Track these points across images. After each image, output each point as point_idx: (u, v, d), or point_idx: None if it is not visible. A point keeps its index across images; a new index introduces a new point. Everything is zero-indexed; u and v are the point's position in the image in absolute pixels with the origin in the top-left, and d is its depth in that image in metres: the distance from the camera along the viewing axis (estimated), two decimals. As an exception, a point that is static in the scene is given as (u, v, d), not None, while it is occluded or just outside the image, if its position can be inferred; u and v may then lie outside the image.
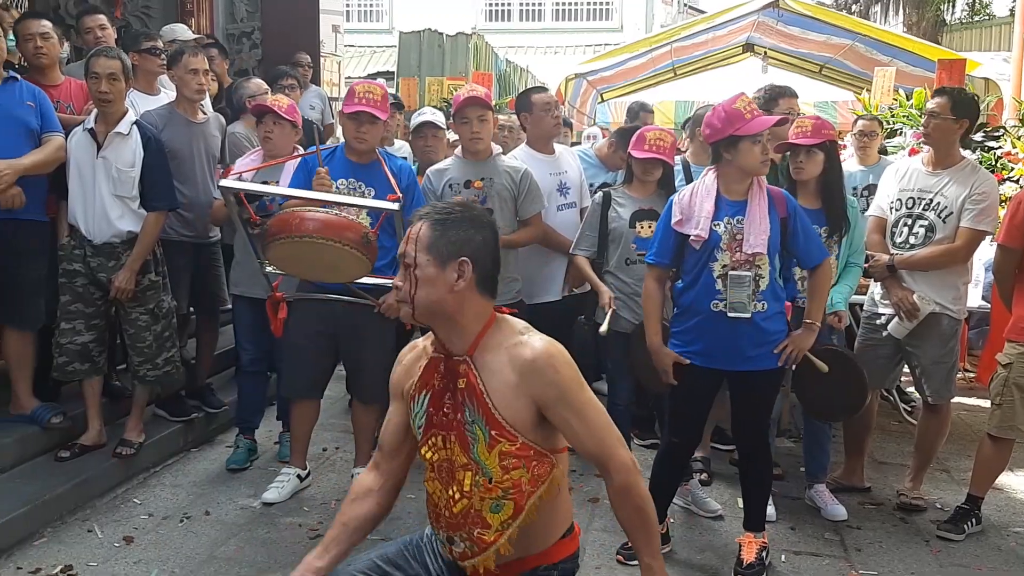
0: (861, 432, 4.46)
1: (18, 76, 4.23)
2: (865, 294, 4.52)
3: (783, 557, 3.82)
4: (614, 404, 4.28)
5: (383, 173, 4.08)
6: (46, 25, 4.48)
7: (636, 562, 3.65)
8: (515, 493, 2.02)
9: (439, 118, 4.88)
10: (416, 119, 4.86)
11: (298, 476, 4.33)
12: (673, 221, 3.51)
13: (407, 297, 2.05)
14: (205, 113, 4.92)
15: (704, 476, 4.50)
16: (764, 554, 3.64)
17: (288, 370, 4.32)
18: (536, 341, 2.04)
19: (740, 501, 4.27)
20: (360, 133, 4.03)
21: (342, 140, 4.34)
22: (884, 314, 4.27)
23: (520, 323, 2.13)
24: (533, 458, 2.03)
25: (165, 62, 4.96)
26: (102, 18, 5.40)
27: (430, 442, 2.13)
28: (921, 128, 4.36)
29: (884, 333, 4.25)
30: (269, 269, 3.98)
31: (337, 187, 3.98)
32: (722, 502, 4.27)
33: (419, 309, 2.05)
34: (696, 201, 3.47)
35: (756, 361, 3.44)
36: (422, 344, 2.24)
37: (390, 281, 4.08)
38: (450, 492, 2.08)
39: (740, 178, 3.43)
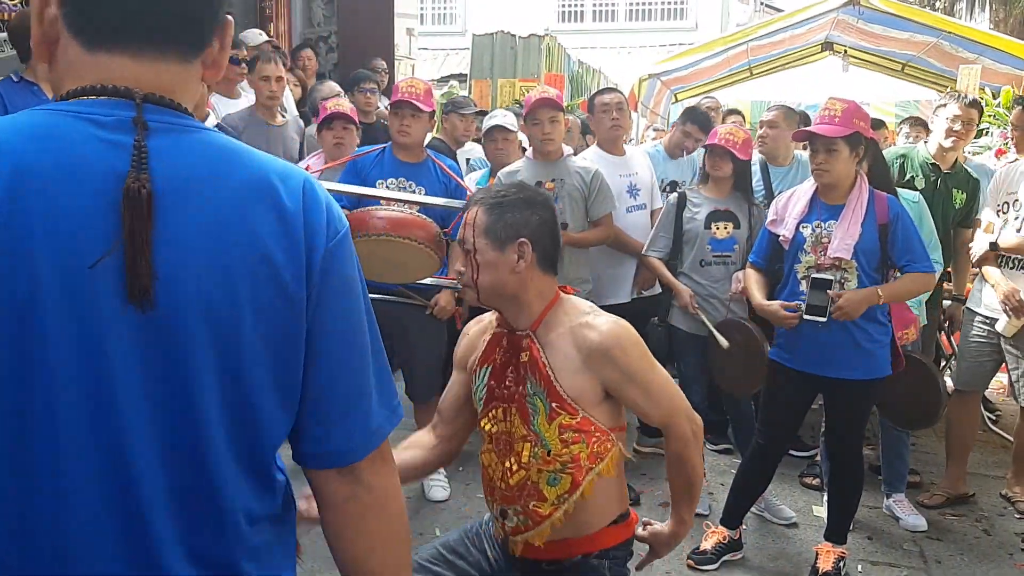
0: (967, 439, 4.37)
1: None
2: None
3: (860, 567, 3.73)
4: (686, 407, 4.24)
5: (433, 172, 4.12)
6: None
7: (707, 567, 3.64)
8: (573, 467, 2.03)
9: (509, 120, 4.86)
10: (486, 123, 4.86)
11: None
12: (767, 221, 3.56)
13: (471, 281, 2.08)
14: (284, 116, 5.04)
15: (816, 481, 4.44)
16: (841, 564, 3.56)
17: None
18: (603, 323, 2.05)
19: (815, 509, 4.20)
20: (403, 126, 4.06)
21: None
22: (994, 318, 4.16)
23: (585, 303, 2.16)
24: (593, 433, 2.04)
25: (244, 69, 5.14)
26: None
27: (490, 415, 2.15)
28: (1012, 135, 4.27)
29: (990, 331, 4.18)
30: None
31: (387, 186, 4.03)
32: (796, 509, 4.19)
33: (483, 292, 2.08)
34: (791, 203, 3.47)
35: (847, 369, 3.36)
36: (488, 318, 2.28)
37: (446, 281, 4.16)
38: (507, 464, 2.10)
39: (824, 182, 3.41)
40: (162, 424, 1.01)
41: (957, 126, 4.33)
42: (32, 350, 0.95)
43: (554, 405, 2.03)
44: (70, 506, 0.98)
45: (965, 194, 4.44)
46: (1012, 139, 4.19)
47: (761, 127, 4.69)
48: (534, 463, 2.06)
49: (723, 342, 3.84)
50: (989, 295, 4.18)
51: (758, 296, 3.55)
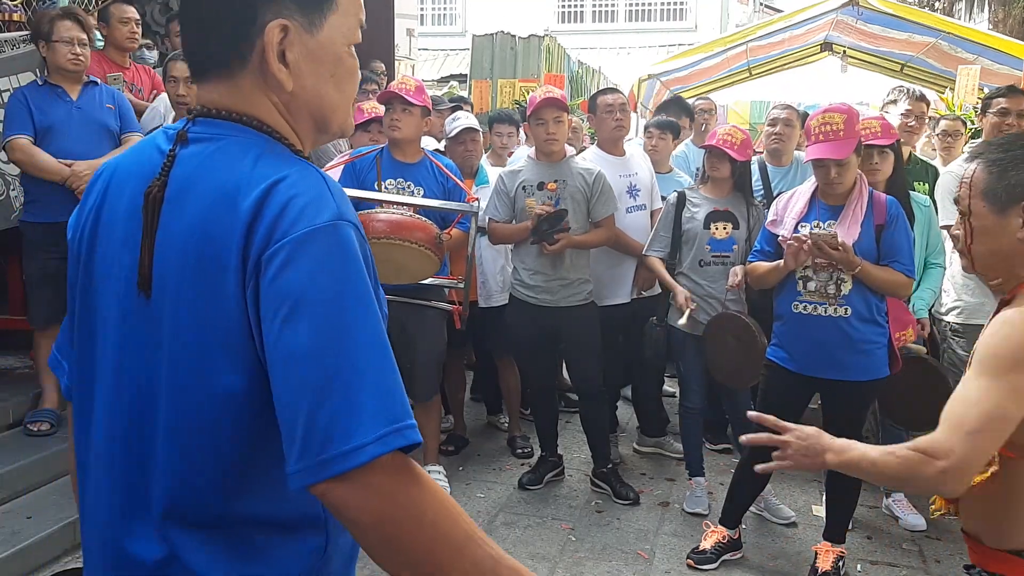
0: None
1: (98, 80, 4.39)
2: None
3: (859, 567, 3.74)
4: (685, 408, 4.26)
5: (431, 172, 4.13)
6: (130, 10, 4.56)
7: (707, 566, 3.66)
8: None
9: (475, 122, 4.86)
10: (453, 125, 4.80)
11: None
12: (767, 221, 3.58)
13: (964, 248, 1.83)
14: None
15: None
16: (840, 563, 3.57)
17: None
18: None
19: (814, 508, 4.21)
20: (393, 120, 4.08)
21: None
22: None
23: None
24: None
25: None
26: None
27: None
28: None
29: None
30: None
31: (385, 187, 4.04)
32: (795, 509, 4.20)
33: (978, 261, 1.81)
34: (791, 203, 3.49)
35: (845, 370, 3.38)
36: None
37: (446, 282, 4.17)
38: None
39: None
40: (125, 403, 1.16)
41: (912, 121, 4.50)
42: (93, 318, 1.20)
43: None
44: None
45: (927, 184, 4.48)
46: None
47: (775, 124, 4.67)
48: None
49: (682, 320, 3.99)
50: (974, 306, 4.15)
51: (768, 265, 3.52)
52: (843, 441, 1.74)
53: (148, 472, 1.14)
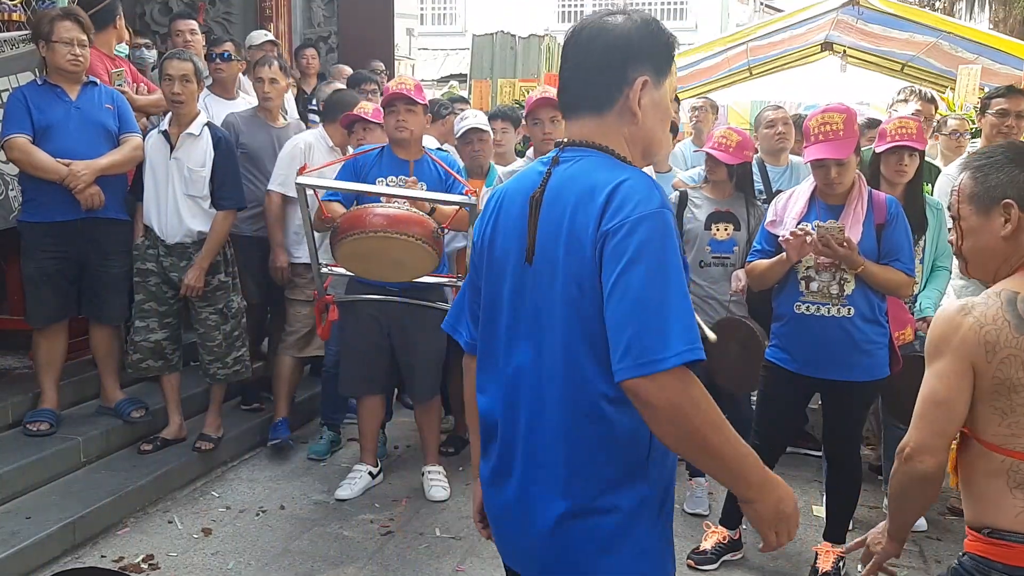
0: None
1: (97, 81, 4.38)
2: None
3: (859, 567, 3.72)
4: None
5: (432, 168, 4.13)
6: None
7: (707, 567, 3.65)
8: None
9: (483, 121, 4.82)
10: (461, 125, 4.75)
11: (369, 473, 4.39)
12: (766, 222, 3.54)
13: (957, 250, 1.99)
14: (286, 119, 5.07)
15: None
16: (841, 564, 3.56)
17: (344, 369, 4.39)
18: (944, 306, 1.92)
19: (814, 509, 4.20)
20: (400, 122, 4.05)
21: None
22: None
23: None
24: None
25: (239, 68, 5.25)
26: (192, 24, 5.64)
27: None
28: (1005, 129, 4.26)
29: None
30: (324, 270, 4.07)
31: (387, 184, 4.03)
32: (796, 509, 4.19)
33: (970, 261, 1.98)
34: (791, 203, 3.46)
35: (847, 370, 3.36)
36: None
37: (447, 280, 4.17)
38: None
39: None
40: (533, 336, 1.68)
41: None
42: (497, 288, 1.74)
43: None
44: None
45: (931, 185, 4.45)
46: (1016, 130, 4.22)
47: (775, 125, 4.65)
48: None
49: (710, 335, 3.86)
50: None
51: (770, 261, 3.48)
52: (880, 525, 2.13)
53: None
